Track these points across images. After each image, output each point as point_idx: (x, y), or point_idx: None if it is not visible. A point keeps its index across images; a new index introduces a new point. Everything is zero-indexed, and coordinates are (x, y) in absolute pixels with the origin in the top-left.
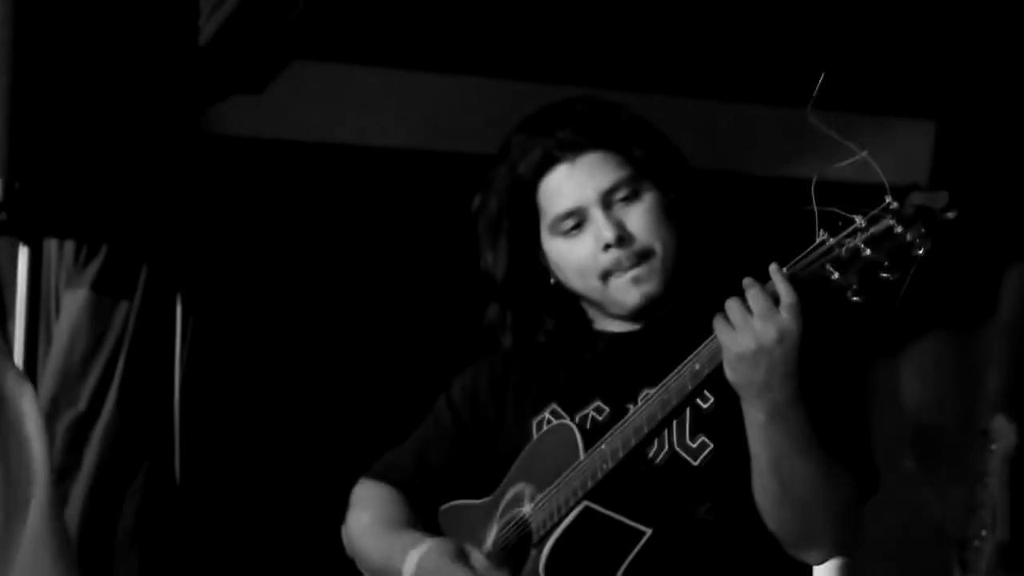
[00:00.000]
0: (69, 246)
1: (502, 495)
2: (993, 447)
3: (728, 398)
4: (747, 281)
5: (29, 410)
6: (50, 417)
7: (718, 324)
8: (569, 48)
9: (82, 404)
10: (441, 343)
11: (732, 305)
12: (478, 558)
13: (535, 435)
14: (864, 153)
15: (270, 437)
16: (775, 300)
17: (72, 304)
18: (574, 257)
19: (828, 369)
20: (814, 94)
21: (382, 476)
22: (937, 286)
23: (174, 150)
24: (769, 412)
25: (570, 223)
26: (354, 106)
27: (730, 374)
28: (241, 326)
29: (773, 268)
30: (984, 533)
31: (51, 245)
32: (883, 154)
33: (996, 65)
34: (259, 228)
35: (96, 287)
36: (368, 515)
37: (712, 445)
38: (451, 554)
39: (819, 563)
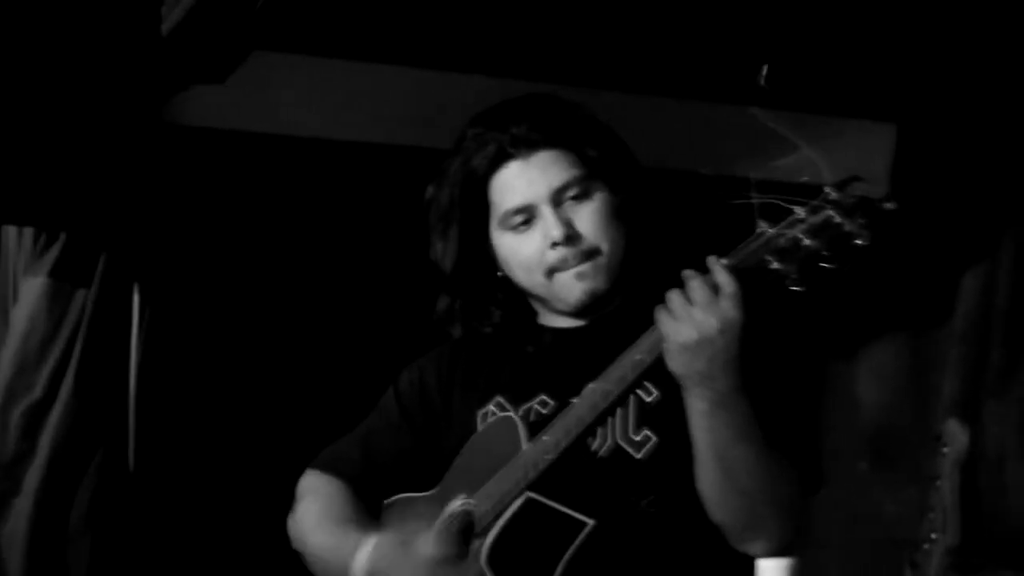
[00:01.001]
0: (28, 233)
1: (446, 487)
2: (945, 450)
3: (672, 392)
4: (687, 272)
5: None
6: (6, 403)
7: (660, 315)
8: (531, 44)
9: (38, 391)
10: (397, 334)
11: (673, 296)
12: (425, 549)
13: (479, 427)
14: (809, 150)
15: (224, 426)
16: (715, 290)
17: (30, 291)
18: (522, 253)
19: (773, 362)
20: (760, 87)
21: (329, 467)
22: (893, 290)
23: (135, 139)
24: (711, 400)
25: (520, 219)
26: (315, 98)
27: (672, 364)
28: (197, 316)
29: (711, 259)
30: (934, 536)
31: (10, 232)
32: (843, 156)
33: (957, 68)
34: (218, 219)
35: (54, 274)
36: (316, 509)
37: (655, 438)
38: (400, 547)
39: (763, 555)
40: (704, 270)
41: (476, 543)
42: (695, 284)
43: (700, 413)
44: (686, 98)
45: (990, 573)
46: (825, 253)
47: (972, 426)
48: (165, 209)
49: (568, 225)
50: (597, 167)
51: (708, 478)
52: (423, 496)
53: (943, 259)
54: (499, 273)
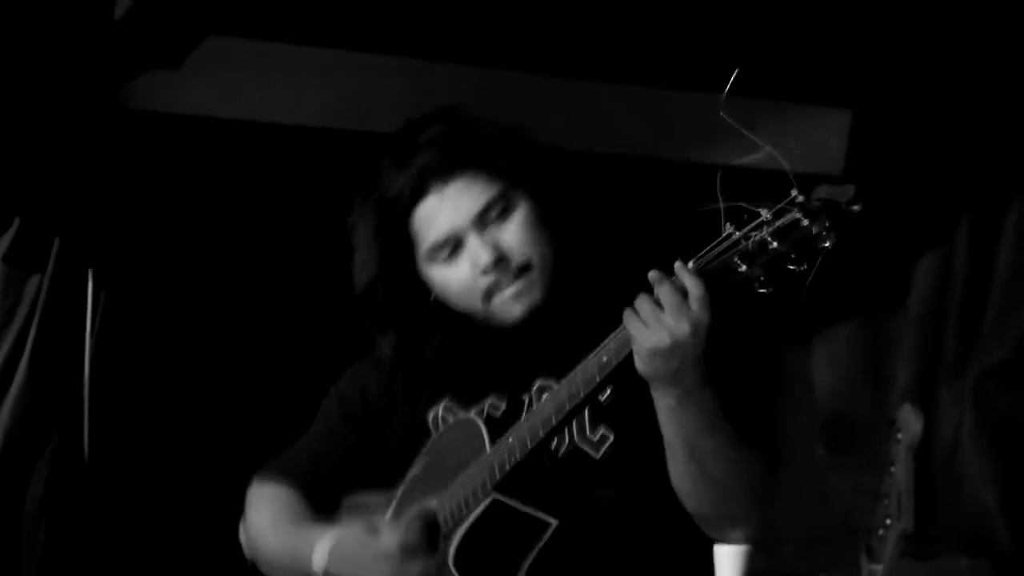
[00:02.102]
0: None
1: (408, 489)
2: (899, 436)
3: (624, 389)
4: (654, 276)
5: None
6: None
7: (628, 320)
8: (487, 29)
9: None
10: (354, 322)
11: (642, 303)
12: (388, 540)
13: (432, 429)
14: (768, 148)
15: (179, 411)
16: (683, 294)
17: None
18: (454, 282)
19: (734, 353)
20: (727, 87)
21: (277, 476)
22: (848, 276)
23: (89, 124)
24: (678, 396)
25: (446, 251)
26: (270, 83)
27: (641, 366)
28: (152, 301)
29: (678, 265)
30: (889, 522)
31: None
32: (798, 142)
33: (913, 53)
34: (173, 204)
35: (8, 259)
36: (269, 513)
37: (612, 436)
38: (362, 538)
39: (737, 541)
40: (653, 264)
41: (442, 544)
42: (665, 290)
43: (669, 409)
44: (648, 85)
45: (945, 559)
46: (792, 256)
47: (926, 412)
48: (119, 194)
49: (495, 248)
50: (514, 177)
51: (680, 470)
52: (381, 498)
53: (898, 244)
54: (431, 298)
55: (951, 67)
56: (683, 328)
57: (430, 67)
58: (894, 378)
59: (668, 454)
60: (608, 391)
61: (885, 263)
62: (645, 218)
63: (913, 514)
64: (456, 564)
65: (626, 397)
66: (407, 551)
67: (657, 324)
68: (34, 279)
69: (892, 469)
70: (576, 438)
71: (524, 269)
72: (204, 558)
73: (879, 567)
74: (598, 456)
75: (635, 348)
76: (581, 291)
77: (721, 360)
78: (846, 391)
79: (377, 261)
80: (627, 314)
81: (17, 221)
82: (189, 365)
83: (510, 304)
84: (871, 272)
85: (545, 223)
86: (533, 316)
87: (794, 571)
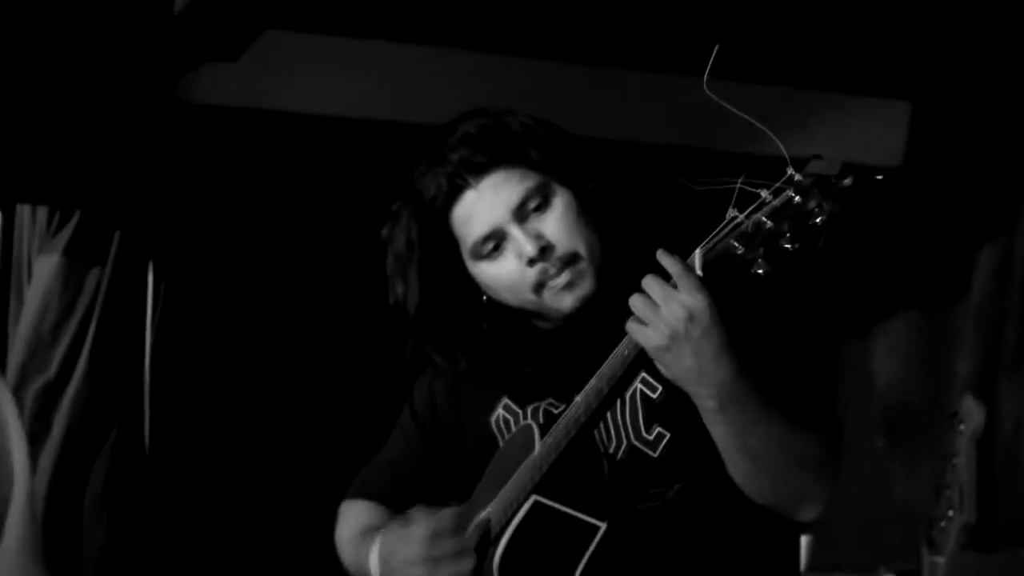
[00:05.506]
0: (42, 212)
1: (475, 498)
2: (961, 428)
3: (676, 385)
4: (646, 278)
5: (9, 415)
6: (20, 383)
7: (630, 326)
8: (545, 21)
9: (52, 370)
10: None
11: (636, 302)
12: (425, 526)
13: (496, 434)
14: (767, 131)
15: (239, 405)
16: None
17: (44, 270)
18: (502, 277)
19: (770, 340)
20: (708, 66)
21: (360, 494)
22: (909, 266)
23: (148, 118)
24: (716, 396)
25: (490, 245)
26: (328, 76)
27: (662, 370)
28: (212, 294)
29: (659, 252)
30: (951, 513)
31: (24, 211)
32: (858, 134)
33: (973, 45)
34: (231, 196)
35: (68, 253)
36: (348, 528)
37: (669, 434)
38: (401, 529)
39: (815, 517)
40: (690, 248)
41: (491, 549)
42: (649, 282)
43: (711, 411)
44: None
45: (1006, 551)
46: (787, 234)
47: (988, 403)
48: (178, 187)
49: (539, 237)
50: (548, 169)
51: (738, 469)
52: (456, 510)
53: (959, 235)
54: (484, 298)
55: (1011, 58)
56: (677, 314)
57: (483, 57)
58: (955, 369)
59: (723, 456)
60: (659, 389)
61: (946, 255)
62: (689, 207)
63: (976, 506)
64: (501, 569)
65: (678, 393)
66: (440, 534)
67: (653, 319)
68: (94, 272)
69: (954, 461)
70: (632, 438)
71: (572, 259)
72: (263, 551)
73: (940, 559)
74: (655, 455)
75: (649, 354)
76: (633, 283)
77: (758, 348)
78: (906, 382)
79: (415, 265)
80: (630, 322)
81: (78, 215)
82: (249, 358)
83: (562, 295)
84: (932, 264)
85: (587, 213)
86: (586, 308)
87: (853, 563)
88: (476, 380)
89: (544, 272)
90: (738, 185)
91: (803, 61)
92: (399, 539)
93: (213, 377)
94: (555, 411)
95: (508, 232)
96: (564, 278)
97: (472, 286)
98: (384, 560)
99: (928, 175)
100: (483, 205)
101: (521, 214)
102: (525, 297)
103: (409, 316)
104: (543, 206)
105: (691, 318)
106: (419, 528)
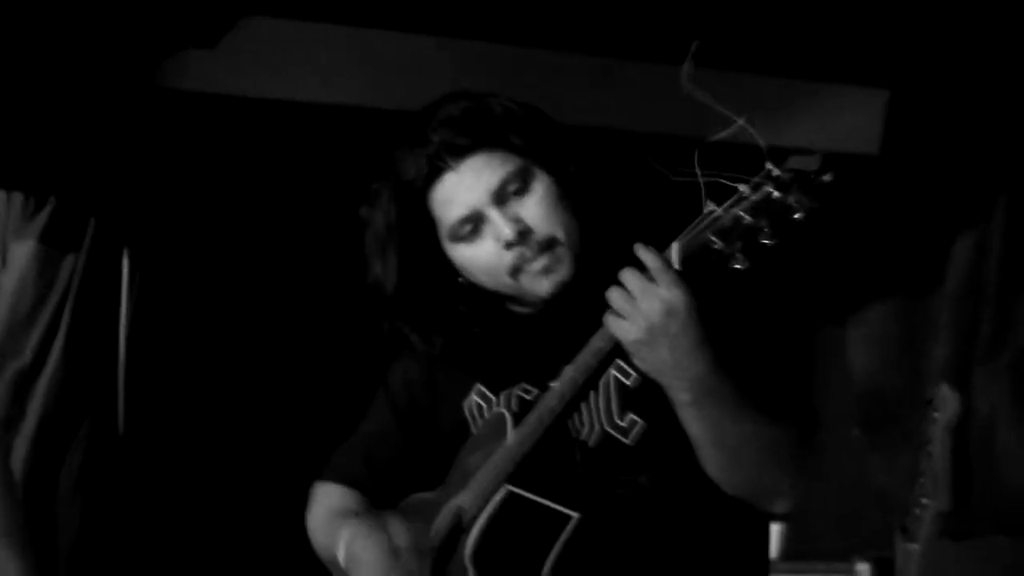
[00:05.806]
0: (17, 197)
1: (447, 486)
2: (936, 415)
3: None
4: (624, 271)
5: None
6: None
7: (608, 319)
8: (521, 7)
9: (27, 356)
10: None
11: (614, 295)
12: (395, 536)
13: (469, 419)
14: (742, 121)
15: (214, 390)
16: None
17: (19, 255)
18: (480, 260)
19: (743, 333)
20: (688, 57)
21: (334, 477)
22: (885, 254)
23: (125, 103)
24: (691, 390)
25: (468, 228)
26: (306, 62)
27: (639, 364)
28: (188, 281)
29: (637, 246)
30: (925, 501)
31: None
32: (835, 122)
33: (950, 33)
34: (209, 183)
35: (44, 239)
36: (319, 511)
37: (642, 422)
38: (365, 533)
39: (787, 510)
40: (669, 236)
41: (462, 538)
42: (627, 275)
43: (686, 405)
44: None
45: (981, 538)
46: (765, 229)
47: (963, 391)
48: (155, 173)
49: (517, 221)
50: (528, 153)
51: (712, 462)
52: (429, 496)
53: (935, 223)
54: (460, 280)
55: (987, 47)
56: (654, 308)
57: (468, 45)
58: (930, 357)
59: (697, 449)
60: (633, 375)
61: (921, 243)
62: (669, 195)
63: (950, 493)
64: (474, 560)
65: (653, 381)
66: (408, 549)
67: (630, 312)
68: (70, 259)
69: (929, 448)
70: (605, 424)
71: (550, 244)
72: (238, 539)
73: (915, 546)
74: (628, 441)
75: (625, 348)
76: (611, 270)
77: (733, 341)
78: (882, 370)
79: (393, 245)
80: (607, 315)
81: (53, 201)
82: (224, 346)
83: (539, 279)
84: (907, 252)
85: (566, 198)
86: (563, 293)
87: (829, 550)
88: (451, 362)
89: (522, 256)
90: (715, 179)
91: (779, 49)
92: (369, 536)
93: (187, 363)
94: (528, 397)
95: (487, 215)
96: (541, 262)
97: (449, 268)
98: (349, 556)
99: (904, 164)
100: (463, 188)
101: (500, 197)
102: (502, 280)
103: (387, 295)
104: (523, 190)
105: (669, 312)
106: (391, 536)
